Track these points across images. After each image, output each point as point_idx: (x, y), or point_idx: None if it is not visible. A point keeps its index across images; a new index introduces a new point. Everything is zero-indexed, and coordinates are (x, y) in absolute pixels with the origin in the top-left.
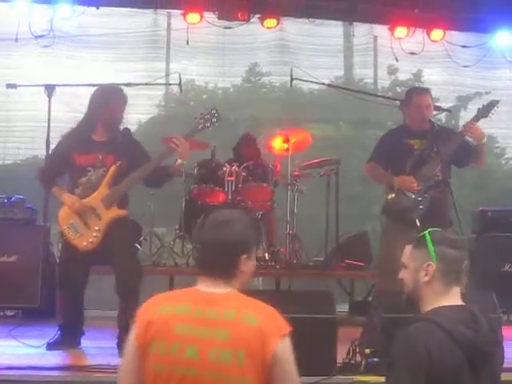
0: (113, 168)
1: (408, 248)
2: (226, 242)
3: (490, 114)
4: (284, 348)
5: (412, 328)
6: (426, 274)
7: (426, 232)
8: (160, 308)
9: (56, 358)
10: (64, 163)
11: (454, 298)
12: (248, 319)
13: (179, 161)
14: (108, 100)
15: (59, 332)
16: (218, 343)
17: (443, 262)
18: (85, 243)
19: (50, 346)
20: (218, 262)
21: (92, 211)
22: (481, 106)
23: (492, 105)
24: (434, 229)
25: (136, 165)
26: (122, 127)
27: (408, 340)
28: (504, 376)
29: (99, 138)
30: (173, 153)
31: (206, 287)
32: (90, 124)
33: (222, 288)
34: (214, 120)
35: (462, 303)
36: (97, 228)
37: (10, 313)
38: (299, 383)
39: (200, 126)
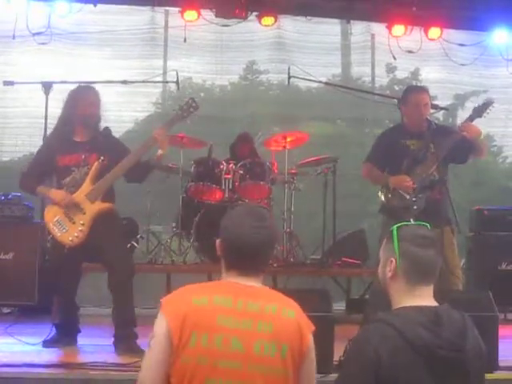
0: (96, 164)
1: (383, 242)
2: (268, 239)
3: (485, 114)
4: (312, 342)
5: (366, 328)
6: (390, 270)
7: (395, 227)
8: (195, 299)
9: (52, 355)
10: (47, 167)
11: (420, 297)
12: (287, 313)
13: (160, 151)
14: (76, 100)
15: (55, 330)
16: (262, 336)
17: (405, 260)
18: (70, 238)
19: (47, 344)
20: (255, 259)
21: (77, 207)
22: (476, 106)
23: (487, 104)
24: (406, 223)
25: (119, 161)
26: (102, 126)
27: (359, 341)
28: (503, 375)
29: (80, 139)
30: (154, 145)
31: (241, 281)
32: (67, 126)
33: (255, 282)
34: (192, 110)
35: (430, 304)
36: (82, 222)
37: (6, 310)
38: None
39: (178, 117)
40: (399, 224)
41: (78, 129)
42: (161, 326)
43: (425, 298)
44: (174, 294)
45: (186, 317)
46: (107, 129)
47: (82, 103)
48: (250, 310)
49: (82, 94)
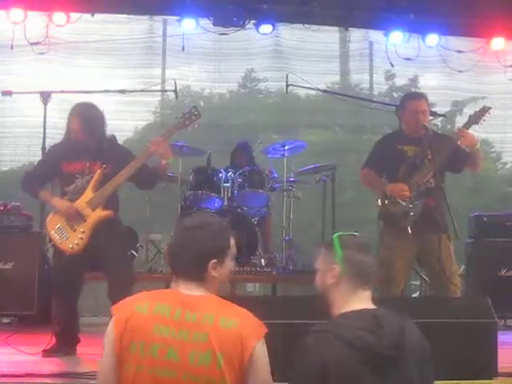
0: (98, 172)
1: (320, 251)
2: (195, 246)
3: (482, 121)
4: (260, 350)
5: (308, 339)
6: (332, 277)
7: (335, 235)
8: (138, 306)
9: (52, 365)
10: (50, 171)
11: (361, 301)
12: (226, 323)
13: (163, 161)
14: (67, 123)
15: (55, 339)
16: (197, 346)
17: (350, 266)
18: (70, 245)
19: (46, 353)
20: (188, 265)
21: (78, 214)
22: (472, 113)
23: (484, 111)
24: (344, 233)
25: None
26: (107, 134)
27: (303, 351)
28: (502, 381)
29: (85, 146)
30: (152, 155)
31: (184, 289)
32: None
33: (197, 291)
34: (194, 118)
35: (369, 307)
36: (82, 230)
37: (6, 320)
38: None
39: (180, 125)
40: (338, 234)
41: (84, 137)
42: (108, 331)
43: (364, 301)
44: (124, 301)
45: (127, 323)
46: (112, 136)
47: (70, 129)
48: (187, 321)
49: (70, 119)
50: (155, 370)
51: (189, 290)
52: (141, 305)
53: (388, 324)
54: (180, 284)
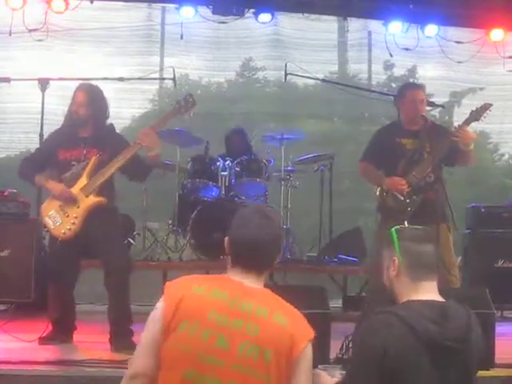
0: (93, 159)
1: (379, 239)
2: (274, 237)
3: (482, 118)
4: (308, 352)
5: (372, 320)
6: (394, 269)
7: (392, 229)
8: (195, 287)
9: (48, 352)
10: (48, 158)
11: (425, 292)
12: (279, 319)
13: (150, 153)
14: (71, 98)
15: (51, 327)
16: (249, 338)
17: (408, 256)
18: (63, 231)
19: (43, 341)
20: (265, 259)
21: (72, 200)
22: (474, 109)
23: (485, 108)
24: (401, 226)
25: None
26: (107, 122)
27: (366, 332)
28: (500, 372)
29: (83, 134)
30: (140, 147)
31: (243, 279)
32: (69, 122)
33: (257, 283)
34: (190, 105)
35: (435, 298)
36: (75, 215)
37: (2, 307)
38: None
39: (175, 112)
40: (396, 227)
41: (79, 126)
42: (157, 306)
43: (429, 292)
44: (179, 279)
45: (181, 302)
46: (111, 125)
47: (72, 102)
48: (243, 310)
49: (74, 94)
50: (203, 355)
51: (248, 282)
52: (198, 286)
53: (455, 317)
54: (239, 273)
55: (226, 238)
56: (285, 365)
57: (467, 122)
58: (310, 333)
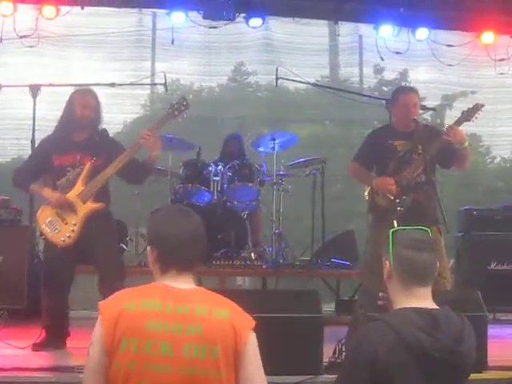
0: (88, 165)
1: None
2: (197, 233)
3: (474, 118)
4: (252, 341)
5: (366, 327)
6: (386, 272)
7: (391, 231)
8: (125, 304)
9: (41, 358)
10: (42, 165)
11: (417, 299)
12: (220, 313)
13: (152, 153)
14: (73, 101)
15: (44, 333)
16: (192, 338)
17: (398, 262)
18: (62, 238)
19: (36, 347)
20: (192, 257)
21: (69, 207)
22: (465, 109)
23: (476, 108)
24: (401, 228)
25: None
26: (100, 127)
27: (359, 339)
28: (492, 374)
29: (77, 139)
30: (141, 147)
31: (172, 283)
32: (64, 127)
33: (188, 283)
34: (183, 109)
35: (428, 306)
36: (74, 222)
37: None
38: (264, 376)
39: (169, 116)
40: (396, 228)
41: (74, 130)
42: (97, 329)
43: (422, 299)
44: (110, 298)
45: (117, 322)
46: (104, 129)
47: (78, 105)
48: (179, 313)
49: (79, 96)
50: (149, 366)
51: (178, 284)
52: (128, 302)
53: (447, 327)
54: (169, 277)
55: (149, 248)
56: (233, 357)
57: (459, 121)
58: (251, 322)
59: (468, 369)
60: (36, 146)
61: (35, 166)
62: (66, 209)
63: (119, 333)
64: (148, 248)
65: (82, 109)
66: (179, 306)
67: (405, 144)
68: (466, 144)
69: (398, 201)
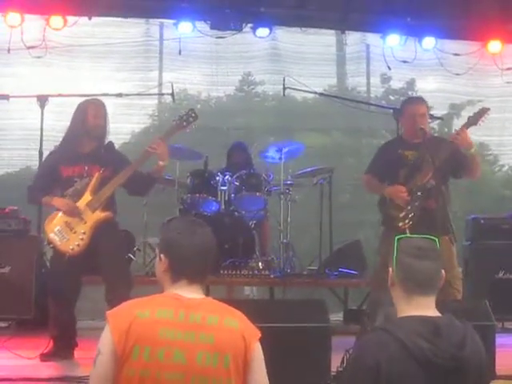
0: (97, 175)
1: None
2: (209, 245)
3: (480, 122)
4: (259, 350)
5: (367, 337)
6: (389, 279)
7: (397, 238)
8: (139, 312)
9: (49, 369)
10: (51, 178)
11: (419, 307)
12: (230, 323)
13: (161, 163)
14: (83, 111)
15: (52, 343)
16: (205, 347)
17: (400, 270)
18: (71, 247)
19: (44, 357)
20: (202, 267)
21: (78, 216)
22: (471, 114)
23: (482, 112)
24: (407, 236)
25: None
26: (106, 140)
27: (360, 349)
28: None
29: (85, 150)
30: (151, 155)
31: (183, 293)
32: (73, 137)
33: (198, 293)
34: (191, 120)
35: (431, 314)
36: (83, 231)
37: (3, 324)
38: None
39: (177, 127)
40: (402, 236)
41: (84, 140)
42: (106, 338)
43: (424, 308)
44: (119, 307)
45: (129, 330)
46: (110, 142)
47: (91, 115)
48: (192, 322)
49: (89, 106)
50: (162, 374)
51: (189, 293)
52: (141, 311)
53: (449, 335)
54: (179, 287)
55: (161, 256)
56: (242, 366)
57: (466, 126)
58: (258, 332)
59: (473, 373)
60: (44, 159)
61: (45, 180)
62: (75, 217)
63: (131, 340)
64: (160, 256)
65: (96, 119)
66: (191, 314)
67: (415, 154)
68: (474, 150)
69: (409, 208)
